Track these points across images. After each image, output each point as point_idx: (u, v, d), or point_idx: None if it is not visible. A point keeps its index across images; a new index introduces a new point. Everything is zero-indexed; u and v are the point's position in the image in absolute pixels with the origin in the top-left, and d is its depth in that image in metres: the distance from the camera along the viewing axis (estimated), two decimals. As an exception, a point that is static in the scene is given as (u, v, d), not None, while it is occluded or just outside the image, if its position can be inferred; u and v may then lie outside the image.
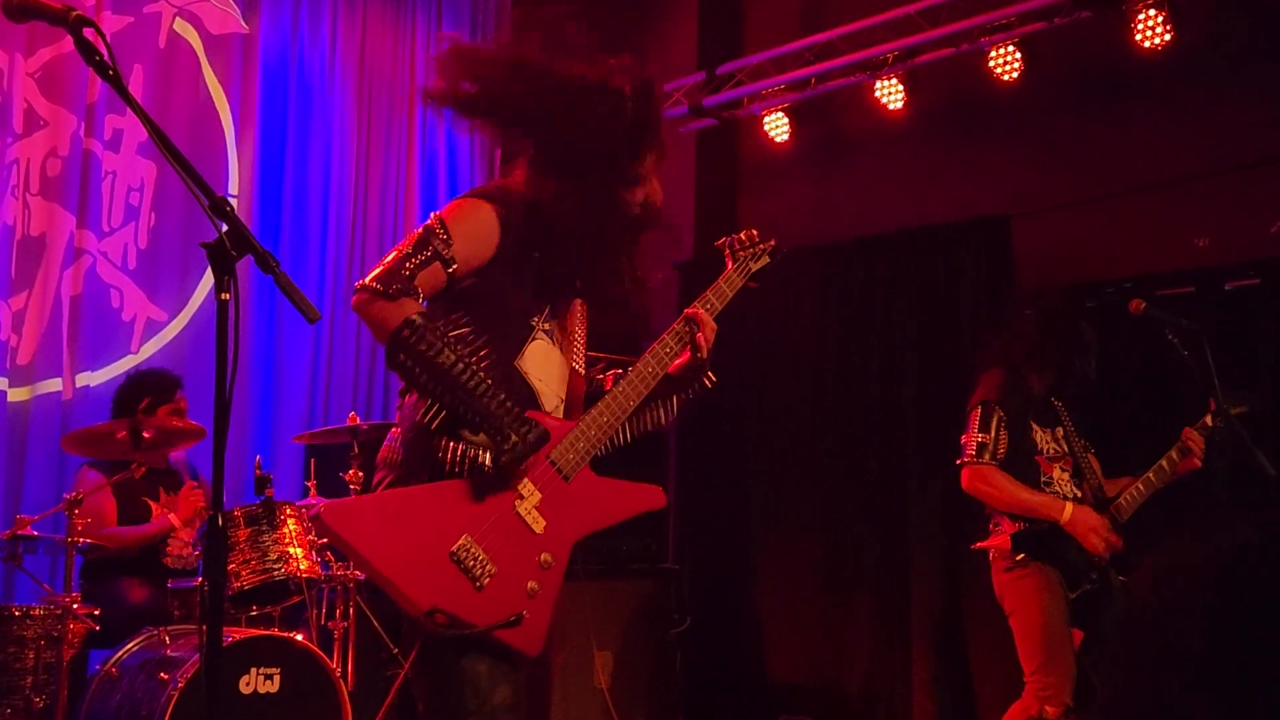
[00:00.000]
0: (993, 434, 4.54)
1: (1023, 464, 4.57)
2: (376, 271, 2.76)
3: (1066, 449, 4.71)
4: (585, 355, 3.15)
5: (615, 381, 3.07)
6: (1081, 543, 4.44)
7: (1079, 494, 4.64)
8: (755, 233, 3.36)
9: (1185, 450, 4.59)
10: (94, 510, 5.12)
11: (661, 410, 3.15)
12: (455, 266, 2.80)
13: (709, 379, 3.14)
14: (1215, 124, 5.81)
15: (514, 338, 2.89)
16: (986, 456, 4.53)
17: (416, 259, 2.75)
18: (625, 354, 6.18)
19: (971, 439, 4.58)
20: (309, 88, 7.43)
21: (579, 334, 3.10)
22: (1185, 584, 1.39)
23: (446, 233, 2.80)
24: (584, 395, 3.11)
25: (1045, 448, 4.64)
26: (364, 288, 2.74)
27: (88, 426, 5.19)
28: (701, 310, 3.11)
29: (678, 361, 3.08)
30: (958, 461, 4.64)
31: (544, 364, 2.93)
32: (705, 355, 3.08)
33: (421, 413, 2.72)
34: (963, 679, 6.19)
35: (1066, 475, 4.65)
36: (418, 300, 2.73)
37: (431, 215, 2.87)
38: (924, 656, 6.33)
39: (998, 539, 4.59)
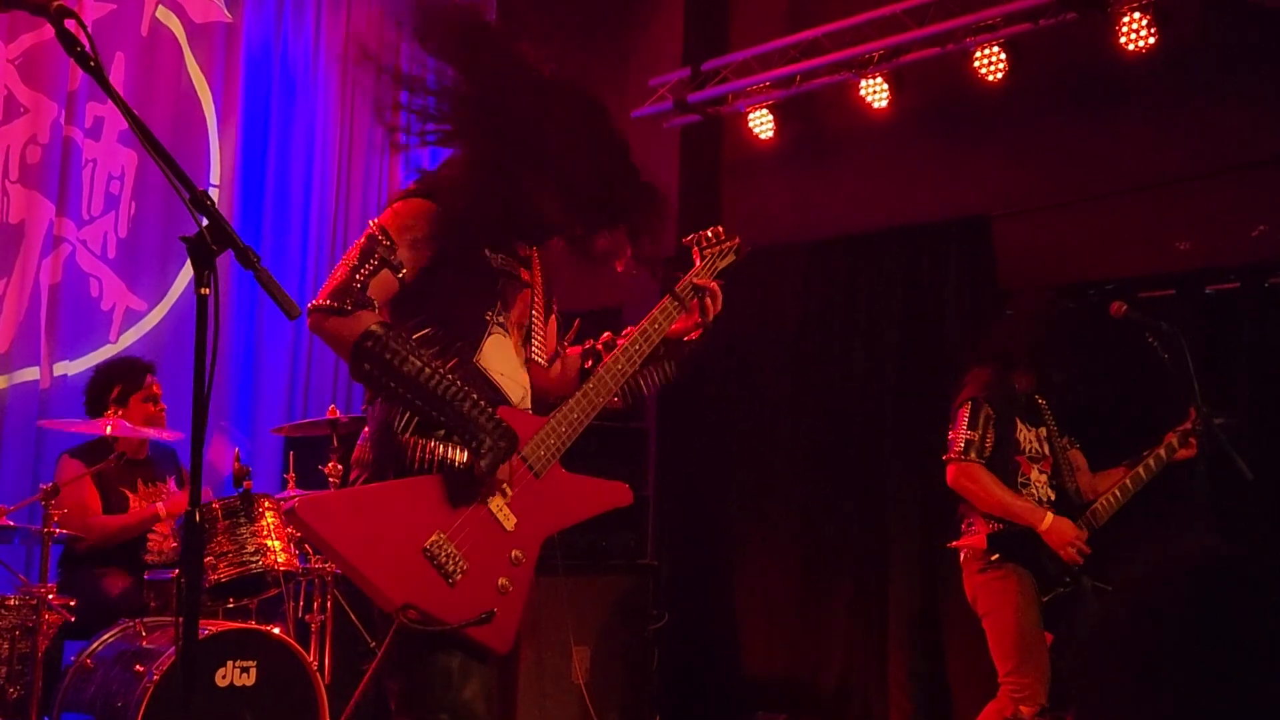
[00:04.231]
0: (980, 431, 4.54)
1: (1004, 463, 4.58)
2: (327, 288, 2.73)
3: (1048, 450, 4.72)
4: (548, 344, 3.16)
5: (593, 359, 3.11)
6: (1057, 553, 4.46)
7: (1052, 497, 4.65)
8: (721, 230, 3.35)
9: (1171, 449, 4.58)
10: (76, 499, 5.10)
11: (645, 380, 3.17)
12: (404, 271, 2.79)
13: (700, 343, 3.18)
14: (1199, 128, 5.82)
15: (471, 334, 2.88)
16: (973, 454, 4.53)
17: (365, 269, 2.74)
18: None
19: (959, 435, 4.57)
20: (292, 78, 7.40)
21: (538, 325, 3.09)
22: (1161, 588, 1.39)
23: (389, 238, 2.79)
24: (576, 373, 3.15)
25: (1028, 448, 4.66)
26: (317, 308, 2.72)
27: (67, 422, 5.16)
28: (711, 282, 3.16)
29: (679, 325, 3.14)
30: (944, 457, 4.64)
31: (502, 357, 2.94)
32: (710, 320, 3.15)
33: (395, 425, 2.72)
34: (939, 677, 6.21)
35: (1044, 477, 4.66)
36: (374, 311, 2.71)
37: (370, 222, 2.86)
38: (900, 654, 6.35)
39: (972, 539, 4.59)
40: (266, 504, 4.98)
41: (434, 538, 2.68)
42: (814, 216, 7.19)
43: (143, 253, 6.71)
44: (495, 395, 2.86)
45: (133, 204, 6.69)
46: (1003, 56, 6.12)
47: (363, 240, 2.80)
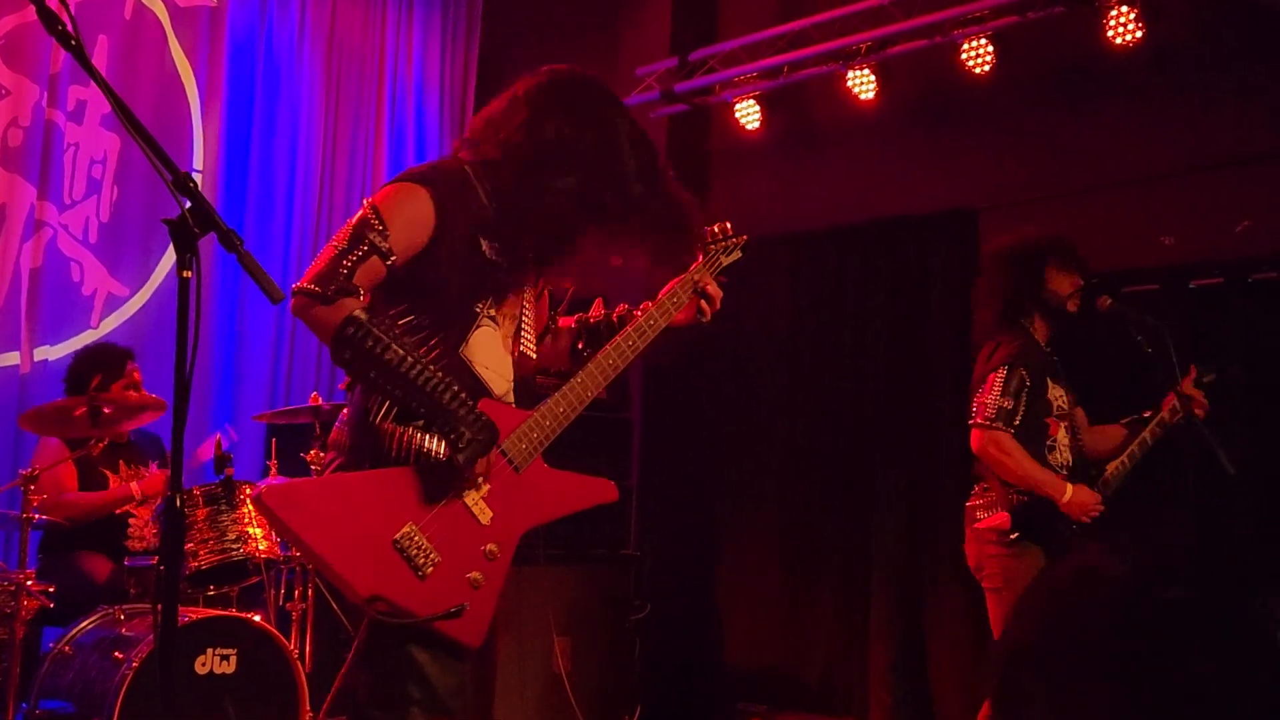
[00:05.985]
0: (1015, 399, 4.41)
1: (1032, 427, 4.47)
2: (312, 272, 2.66)
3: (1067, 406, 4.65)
4: (540, 334, 3.11)
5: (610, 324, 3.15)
6: (1075, 520, 4.37)
7: (1070, 461, 4.54)
8: (729, 225, 3.30)
9: (1174, 410, 4.53)
10: (53, 479, 5.06)
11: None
12: (394, 258, 2.70)
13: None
14: (1184, 123, 5.82)
15: (459, 326, 2.81)
16: (1003, 423, 4.40)
17: (353, 255, 2.66)
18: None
19: (990, 401, 4.43)
20: (277, 63, 7.36)
21: (529, 314, 3.02)
22: (1075, 599, 1.40)
23: (382, 222, 2.70)
24: (567, 348, 3.16)
25: (1057, 405, 4.55)
26: (301, 290, 2.64)
27: (44, 404, 5.11)
28: (712, 281, 3.16)
29: (676, 318, 3.13)
30: (970, 421, 4.49)
31: (490, 350, 2.86)
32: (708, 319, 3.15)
33: (373, 412, 2.68)
34: (920, 671, 6.22)
35: (1068, 438, 4.58)
36: (358, 298, 2.64)
37: (364, 203, 2.77)
38: (882, 648, 6.35)
39: (995, 519, 4.45)
40: (248, 491, 4.96)
41: (404, 530, 2.63)
42: (801, 208, 7.18)
43: (125, 238, 6.67)
44: (477, 388, 2.80)
45: (115, 188, 6.65)
46: (990, 49, 6.13)
47: (355, 220, 2.72)
